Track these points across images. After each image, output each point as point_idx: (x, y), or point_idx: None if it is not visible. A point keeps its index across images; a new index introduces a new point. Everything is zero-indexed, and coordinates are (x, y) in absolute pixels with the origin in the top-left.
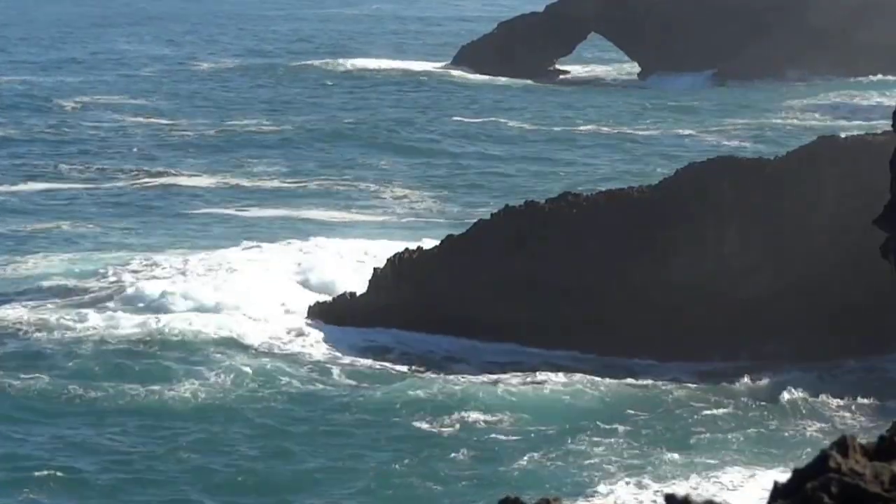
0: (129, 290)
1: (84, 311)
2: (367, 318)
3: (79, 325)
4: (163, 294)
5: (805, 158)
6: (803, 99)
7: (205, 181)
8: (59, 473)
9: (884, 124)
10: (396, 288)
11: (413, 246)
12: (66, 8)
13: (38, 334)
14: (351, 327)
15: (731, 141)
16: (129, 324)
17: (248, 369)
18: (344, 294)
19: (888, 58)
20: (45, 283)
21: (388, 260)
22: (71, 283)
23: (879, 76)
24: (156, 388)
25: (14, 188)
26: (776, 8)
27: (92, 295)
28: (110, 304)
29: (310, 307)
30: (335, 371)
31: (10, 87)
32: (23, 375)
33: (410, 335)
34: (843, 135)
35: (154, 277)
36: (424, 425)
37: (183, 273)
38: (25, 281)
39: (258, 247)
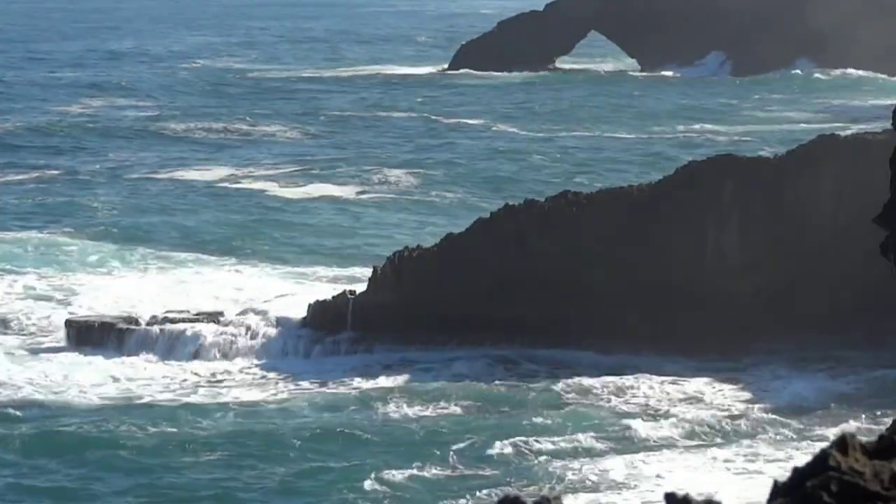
0: None
1: None
2: (367, 316)
3: None
4: None
5: (805, 157)
6: (803, 97)
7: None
8: None
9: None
10: (397, 286)
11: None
12: None
13: None
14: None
15: (730, 138)
16: None
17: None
18: (343, 293)
19: (888, 57)
20: None
21: (388, 258)
22: None
23: (879, 75)
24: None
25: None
26: (776, 6)
27: None
28: None
29: (309, 305)
30: None
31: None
32: None
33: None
34: (842, 133)
35: None
36: None
37: None
38: None
39: None
